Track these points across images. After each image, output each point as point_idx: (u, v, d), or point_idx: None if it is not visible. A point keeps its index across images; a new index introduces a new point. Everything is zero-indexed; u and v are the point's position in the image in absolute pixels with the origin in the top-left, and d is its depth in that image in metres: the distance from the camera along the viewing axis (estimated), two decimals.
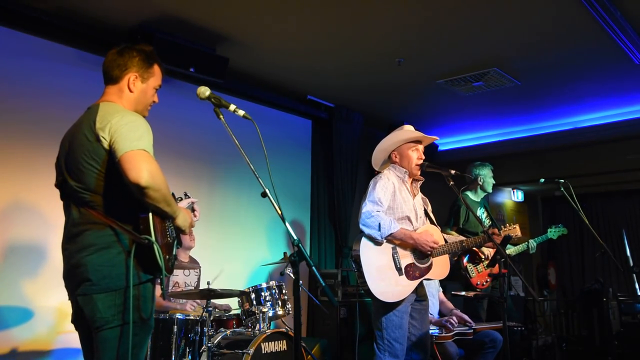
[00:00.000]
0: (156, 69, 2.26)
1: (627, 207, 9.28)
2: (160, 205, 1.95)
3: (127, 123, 2.00)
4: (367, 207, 3.14)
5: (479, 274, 4.35)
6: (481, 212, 4.70)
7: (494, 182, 4.77)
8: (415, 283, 3.18)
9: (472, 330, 4.02)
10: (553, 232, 4.69)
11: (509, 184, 4.75)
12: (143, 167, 1.87)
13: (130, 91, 2.18)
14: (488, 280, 4.40)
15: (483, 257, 4.38)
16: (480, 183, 4.76)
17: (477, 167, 4.80)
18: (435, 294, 4.41)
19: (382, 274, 3.09)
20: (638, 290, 8.62)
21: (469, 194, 4.79)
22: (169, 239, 2.04)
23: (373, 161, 3.46)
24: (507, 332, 3.14)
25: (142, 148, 1.92)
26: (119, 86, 2.18)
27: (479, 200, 4.81)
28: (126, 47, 2.24)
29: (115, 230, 1.97)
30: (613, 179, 8.72)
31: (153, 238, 1.92)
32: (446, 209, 4.89)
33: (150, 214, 1.94)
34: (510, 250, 4.54)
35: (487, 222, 4.70)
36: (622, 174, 8.36)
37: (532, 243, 4.60)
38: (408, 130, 3.43)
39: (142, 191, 1.88)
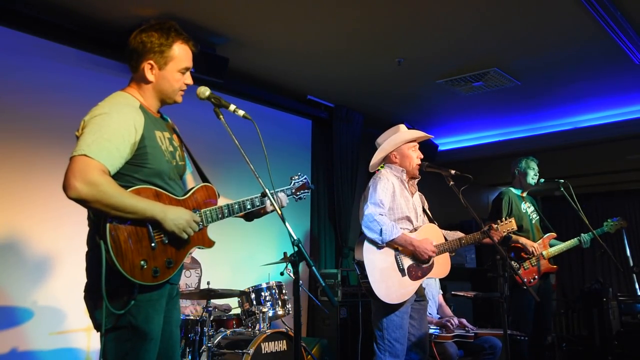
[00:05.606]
0: (176, 50, 2.03)
1: (627, 207, 9.28)
2: (112, 213, 1.79)
3: (95, 117, 1.87)
4: (369, 210, 3.13)
5: (525, 271, 4.23)
6: (525, 207, 4.52)
7: (537, 176, 4.50)
8: (418, 283, 3.18)
9: (473, 334, 4.02)
10: (610, 225, 4.50)
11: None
12: (71, 179, 1.74)
13: (148, 81, 2.03)
14: (536, 277, 4.27)
15: (529, 254, 4.26)
16: (521, 178, 4.54)
17: (519, 161, 4.57)
18: (435, 295, 4.41)
19: (386, 276, 3.09)
20: (638, 290, 8.61)
21: (513, 189, 4.57)
22: (152, 243, 1.87)
23: (372, 164, 3.45)
24: (507, 337, 3.14)
25: (84, 153, 1.78)
26: (138, 75, 2.05)
27: (525, 195, 4.60)
28: (141, 30, 2.02)
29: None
30: (613, 179, 8.73)
31: (108, 239, 1.79)
32: (447, 208, 4.87)
33: (104, 218, 1.81)
34: (561, 246, 4.41)
35: (534, 217, 4.51)
36: (622, 174, 8.37)
37: (585, 237, 4.41)
38: (408, 131, 3.43)
39: (76, 202, 1.77)
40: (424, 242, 3.16)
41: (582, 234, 4.46)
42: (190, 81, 2.12)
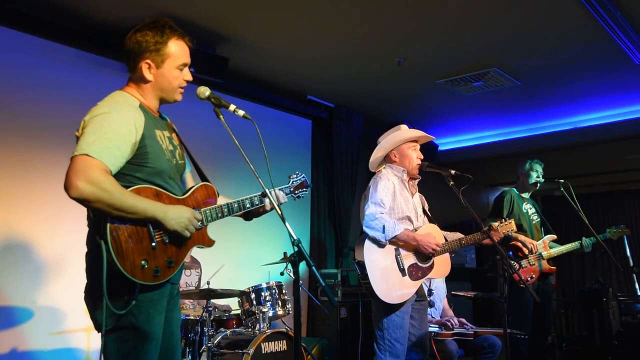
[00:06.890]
0: (172, 46, 2.03)
1: (627, 207, 9.28)
2: (113, 213, 1.78)
3: (95, 116, 1.87)
4: (370, 209, 3.14)
5: (522, 270, 4.21)
6: (526, 208, 4.51)
7: (539, 178, 4.51)
8: (418, 283, 3.18)
9: (472, 332, 4.02)
10: (613, 232, 4.50)
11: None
12: (73, 178, 1.73)
13: (147, 80, 2.03)
14: (533, 276, 4.25)
15: (526, 252, 4.24)
16: (524, 179, 4.56)
17: (524, 162, 4.60)
18: (442, 297, 4.40)
19: (386, 276, 3.09)
20: (638, 290, 8.61)
21: (515, 189, 4.59)
22: (153, 243, 1.87)
23: (372, 162, 3.46)
24: (507, 337, 3.14)
25: (85, 153, 1.77)
26: (136, 75, 2.05)
27: (527, 196, 4.61)
28: (135, 30, 2.04)
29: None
30: (613, 179, 8.73)
31: (108, 239, 1.78)
32: (447, 208, 4.86)
33: (104, 218, 1.80)
34: (561, 248, 4.38)
35: (535, 218, 4.52)
36: (622, 174, 8.37)
37: (587, 241, 4.40)
38: (408, 130, 3.44)
39: (78, 202, 1.76)
40: (427, 236, 3.17)
41: (584, 238, 4.43)
42: (189, 77, 2.12)
